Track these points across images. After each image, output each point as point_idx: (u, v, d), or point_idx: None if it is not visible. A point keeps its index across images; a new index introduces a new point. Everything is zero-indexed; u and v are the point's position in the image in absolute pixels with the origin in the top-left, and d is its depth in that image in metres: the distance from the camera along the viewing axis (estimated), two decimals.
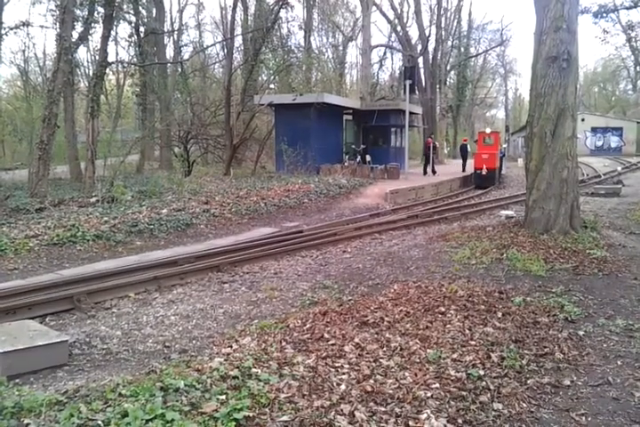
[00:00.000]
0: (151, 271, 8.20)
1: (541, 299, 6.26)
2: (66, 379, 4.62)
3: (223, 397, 3.51)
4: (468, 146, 30.41)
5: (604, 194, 17.44)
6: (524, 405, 3.89)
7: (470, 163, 25.72)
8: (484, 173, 23.44)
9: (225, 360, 4.20)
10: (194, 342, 5.58)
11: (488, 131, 25.70)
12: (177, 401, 3.39)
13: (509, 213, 12.71)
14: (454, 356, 4.48)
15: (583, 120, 41.66)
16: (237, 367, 3.99)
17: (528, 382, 4.23)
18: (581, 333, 5.33)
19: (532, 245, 8.62)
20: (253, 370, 3.96)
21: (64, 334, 5.44)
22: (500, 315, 5.57)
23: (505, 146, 39.30)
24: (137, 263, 8.86)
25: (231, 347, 4.70)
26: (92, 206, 13.61)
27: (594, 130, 47.75)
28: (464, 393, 3.89)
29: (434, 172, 25.69)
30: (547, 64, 9.31)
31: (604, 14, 20.72)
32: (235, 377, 3.82)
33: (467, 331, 5.05)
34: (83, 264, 9.20)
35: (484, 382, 4.08)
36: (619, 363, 4.68)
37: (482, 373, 4.21)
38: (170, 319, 6.31)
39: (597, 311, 6.03)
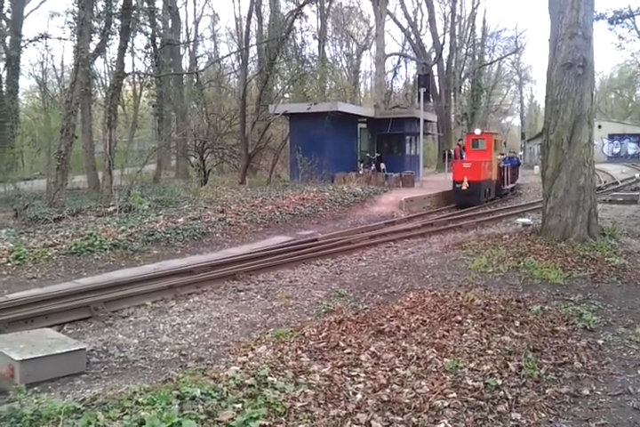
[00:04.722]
0: (168, 280, 8.24)
1: (559, 307, 6.19)
2: (83, 387, 4.65)
3: (239, 405, 3.51)
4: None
5: (621, 201, 17.25)
6: (543, 415, 3.85)
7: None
8: (463, 187, 18.53)
9: (241, 369, 4.20)
10: (210, 350, 5.60)
11: (478, 132, 21.47)
12: (193, 409, 3.40)
13: (526, 220, 12.60)
14: (471, 365, 4.44)
15: (600, 127, 41.38)
16: (253, 376, 3.99)
17: (546, 391, 4.18)
18: (600, 342, 5.26)
19: (549, 252, 8.54)
20: (269, 379, 3.96)
21: (82, 343, 5.49)
22: (517, 324, 5.52)
23: (521, 153, 39.04)
24: (154, 272, 8.91)
25: (247, 355, 4.70)
26: (109, 216, 13.74)
27: (611, 137, 47.37)
28: (481, 403, 3.86)
29: None
30: (562, 71, 9.27)
31: (620, 20, 20.66)
32: (251, 386, 3.83)
33: (484, 340, 5.01)
34: (100, 273, 9.27)
35: (502, 392, 4.04)
36: (639, 372, 4.61)
37: (499, 382, 4.17)
38: (186, 328, 6.33)
39: (617, 320, 5.95)
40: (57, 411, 3.47)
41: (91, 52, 17.94)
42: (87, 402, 3.71)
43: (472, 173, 18.58)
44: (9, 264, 9.24)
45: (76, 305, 6.85)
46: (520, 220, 12.99)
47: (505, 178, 21.80)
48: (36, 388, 4.53)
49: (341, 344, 4.85)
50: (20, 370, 4.61)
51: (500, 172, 21.24)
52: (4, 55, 21.49)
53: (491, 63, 55.67)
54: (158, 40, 25.78)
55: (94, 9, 17.99)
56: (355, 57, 49.66)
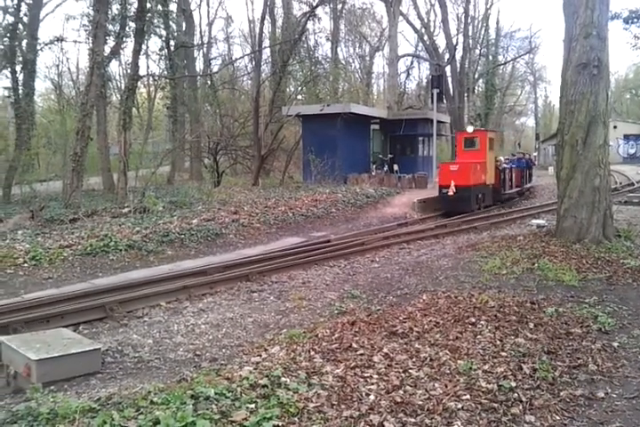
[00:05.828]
0: (182, 281, 8.29)
1: (574, 309, 6.14)
2: (99, 386, 4.70)
3: (253, 405, 3.53)
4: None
5: (637, 202, 17.07)
6: (557, 417, 3.82)
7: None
8: (450, 193, 16.23)
9: (254, 369, 4.22)
10: (224, 350, 5.63)
11: (470, 130, 18.66)
12: (207, 409, 3.43)
13: (540, 222, 12.52)
14: (485, 367, 4.42)
15: (615, 127, 40.89)
16: (267, 376, 4.01)
17: (561, 394, 4.15)
18: (616, 344, 5.22)
19: (564, 254, 8.48)
20: (282, 379, 3.98)
21: (97, 343, 5.54)
22: (531, 326, 5.49)
23: (535, 154, 38.77)
24: (168, 273, 8.97)
25: (260, 356, 4.72)
26: (124, 217, 13.85)
27: (626, 137, 46.83)
28: (495, 405, 3.84)
29: None
30: (577, 71, 9.21)
31: (635, 20, 20.40)
32: (264, 386, 3.84)
33: (498, 342, 4.98)
34: (115, 273, 9.36)
35: (516, 394, 4.02)
36: None
37: (513, 384, 4.15)
38: (200, 328, 6.37)
39: (632, 322, 5.89)
40: (73, 410, 3.51)
41: (106, 54, 18.08)
42: (102, 401, 3.75)
43: (460, 176, 16.26)
44: (25, 265, 9.34)
45: (91, 305, 6.92)
46: (534, 221, 12.91)
47: (507, 181, 19.50)
48: (52, 387, 4.58)
49: (354, 345, 4.85)
50: (36, 369, 4.67)
51: (499, 174, 18.79)
52: (20, 58, 21.70)
53: (504, 64, 55.32)
54: (172, 42, 25.96)
55: (109, 12, 18.15)
56: (367, 58, 49.61)
